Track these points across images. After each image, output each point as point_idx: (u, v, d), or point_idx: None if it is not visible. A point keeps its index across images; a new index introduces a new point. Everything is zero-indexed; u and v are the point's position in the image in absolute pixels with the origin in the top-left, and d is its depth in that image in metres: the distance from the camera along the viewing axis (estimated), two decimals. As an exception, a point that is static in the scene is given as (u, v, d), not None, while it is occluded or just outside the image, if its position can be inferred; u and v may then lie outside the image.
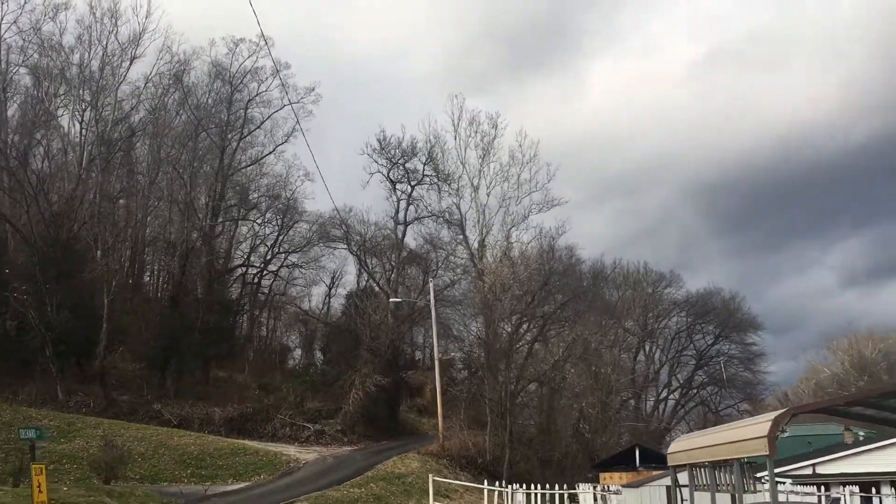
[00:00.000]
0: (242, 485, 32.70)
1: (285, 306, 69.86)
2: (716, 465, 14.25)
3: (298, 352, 72.91)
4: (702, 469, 15.04)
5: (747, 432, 12.45)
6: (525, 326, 52.18)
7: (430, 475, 28.01)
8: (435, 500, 29.96)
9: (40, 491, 11.27)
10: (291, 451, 40.38)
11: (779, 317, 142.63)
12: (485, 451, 42.13)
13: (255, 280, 70.03)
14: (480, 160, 55.75)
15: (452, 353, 58.42)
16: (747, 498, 13.94)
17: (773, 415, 11.97)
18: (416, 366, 67.44)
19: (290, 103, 60.68)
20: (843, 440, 41.61)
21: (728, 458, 13.23)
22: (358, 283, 65.74)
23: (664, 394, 74.27)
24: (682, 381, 74.99)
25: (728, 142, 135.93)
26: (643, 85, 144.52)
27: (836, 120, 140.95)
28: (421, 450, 41.36)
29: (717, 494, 14.37)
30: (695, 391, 74.40)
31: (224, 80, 60.38)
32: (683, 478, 16.08)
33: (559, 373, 45.91)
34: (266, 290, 71.12)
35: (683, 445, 16.38)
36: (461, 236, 55.30)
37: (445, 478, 35.61)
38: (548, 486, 28.64)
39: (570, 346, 45.67)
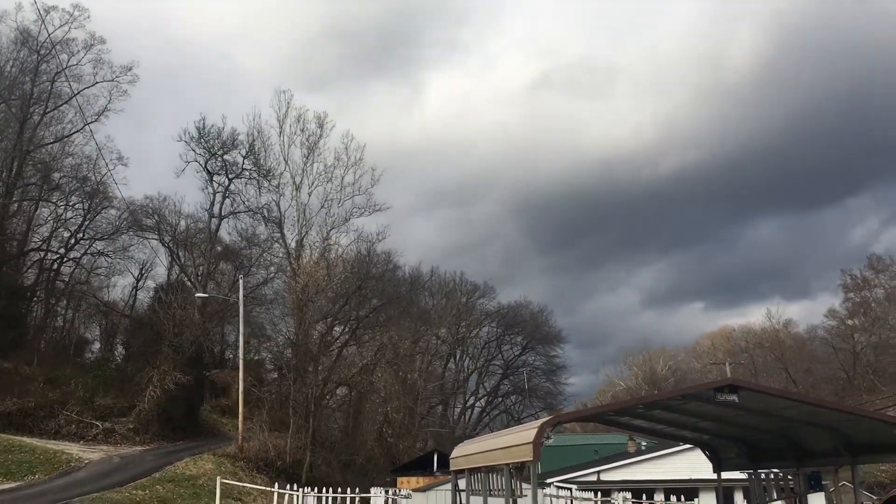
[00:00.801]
0: (12, 485, 30.27)
1: (86, 296, 65.44)
2: (490, 470, 14.74)
3: (98, 345, 68.73)
4: (479, 474, 15.51)
5: (516, 438, 12.98)
6: (337, 329, 52.01)
7: (219, 477, 27.12)
8: (224, 503, 29.07)
9: None
10: (74, 449, 37.84)
11: (588, 332, 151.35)
12: (285, 453, 41.33)
13: (54, 266, 65.21)
14: (305, 159, 54.93)
15: (263, 354, 57.20)
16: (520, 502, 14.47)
17: (539, 422, 12.53)
18: (225, 365, 65.29)
19: (103, 81, 57.86)
20: (626, 449, 44.66)
21: (500, 463, 13.72)
22: (169, 276, 62.78)
23: (471, 401, 76.41)
24: (488, 389, 77.58)
25: (554, 162, 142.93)
26: (479, 100, 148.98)
27: (653, 150, 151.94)
28: (217, 451, 40.04)
29: (489, 499, 14.85)
30: (500, 399, 77.12)
31: (31, 48, 56.13)
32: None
33: (367, 377, 45.98)
34: (66, 278, 66.45)
35: (463, 451, 16.85)
36: (278, 234, 54.18)
37: (241, 480, 34.69)
38: (341, 490, 28.52)
39: (379, 351, 45.86)
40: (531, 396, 74.60)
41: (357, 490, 29.13)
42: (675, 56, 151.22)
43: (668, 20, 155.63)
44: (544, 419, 12.70)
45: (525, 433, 12.48)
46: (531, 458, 11.87)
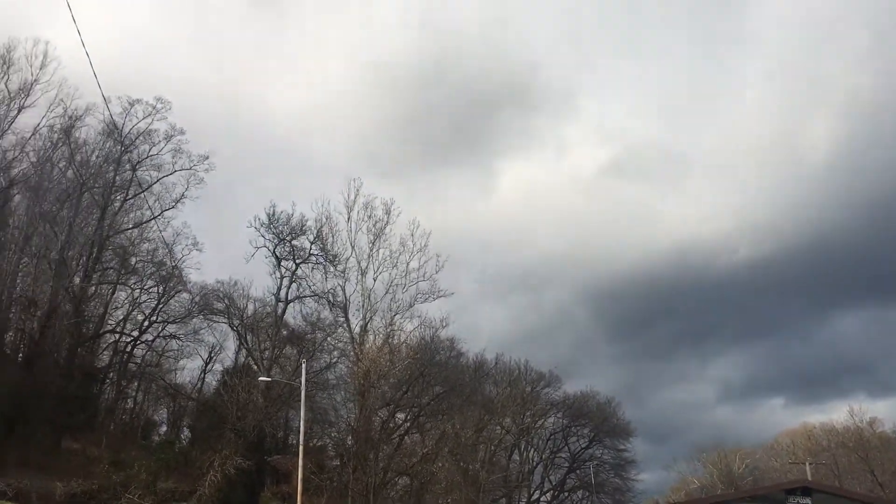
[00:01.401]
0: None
1: (156, 378, 66.60)
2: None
3: (165, 427, 69.49)
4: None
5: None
6: (399, 416, 51.52)
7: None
8: None
9: None
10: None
11: (659, 425, 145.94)
12: (343, 543, 40.46)
13: (128, 349, 66.78)
14: (371, 245, 55.81)
15: (325, 440, 56.75)
16: None
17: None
18: (287, 450, 64.96)
19: (181, 169, 60.27)
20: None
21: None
22: (236, 359, 63.58)
23: (536, 495, 73.94)
24: (554, 483, 74.98)
25: (626, 249, 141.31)
26: (551, 186, 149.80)
27: (728, 238, 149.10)
28: (274, 539, 39.39)
29: None
30: (567, 494, 74.43)
31: (115, 139, 59.02)
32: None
33: (428, 466, 45.05)
34: (138, 361, 67.87)
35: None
36: (343, 319, 54.56)
37: (297, 571, 33.96)
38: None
39: (440, 439, 45.01)
40: (599, 492, 71.83)
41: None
42: (751, 142, 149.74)
43: (742, 106, 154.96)
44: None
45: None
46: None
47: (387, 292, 54.67)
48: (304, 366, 41.77)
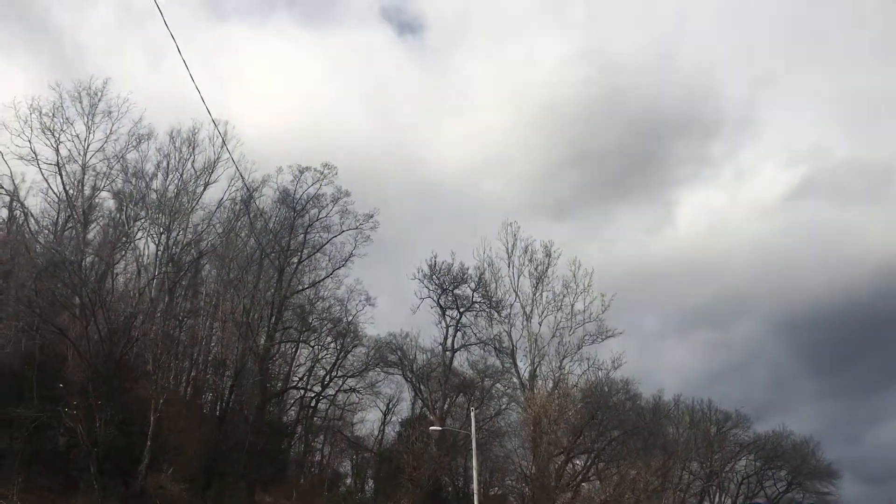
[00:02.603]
0: None
1: (340, 431, 69.07)
2: None
3: (350, 479, 71.63)
4: None
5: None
6: (578, 462, 50.36)
7: None
8: None
9: None
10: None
11: (874, 465, 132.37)
12: None
13: (312, 403, 69.91)
14: (533, 288, 55.63)
15: (503, 488, 56.32)
16: None
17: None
18: (467, 499, 65.03)
19: (349, 229, 63.05)
20: None
21: None
22: (412, 410, 64.96)
23: (732, 543, 69.52)
24: (750, 530, 70.25)
25: (822, 274, 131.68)
26: (732, 214, 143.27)
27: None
28: (454, 591, 39.26)
29: None
30: (766, 541, 69.48)
31: (288, 205, 62.79)
32: None
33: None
34: (322, 415, 70.82)
35: None
36: (511, 365, 54.46)
37: None
38: None
39: (619, 484, 43.43)
40: (801, 538, 66.58)
41: None
42: None
43: None
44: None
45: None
46: None
47: (553, 335, 54.23)
48: (472, 414, 41.91)
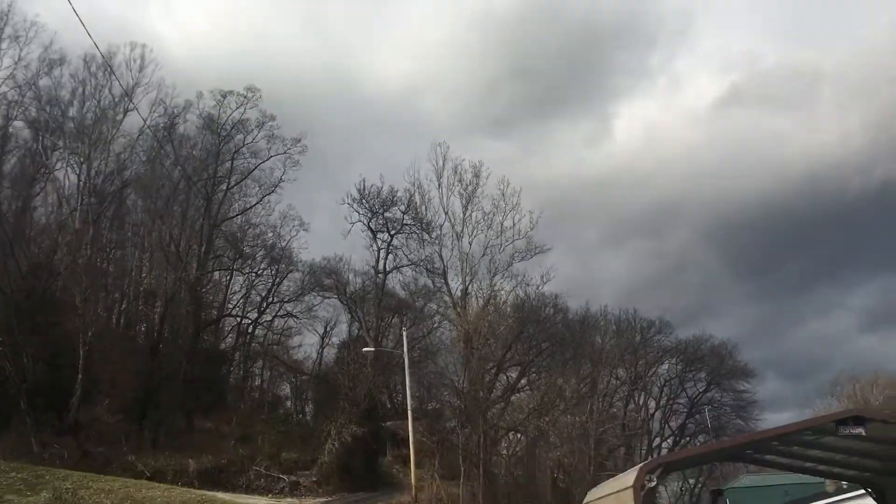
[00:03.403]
0: (203, 538, 32.40)
1: (277, 356, 69.69)
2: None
3: (289, 403, 72.82)
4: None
5: (621, 483, 12.43)
6: (510, 375, 52.17)
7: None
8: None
9: None
10: (262, 502, 40.06)
11: (796, 363, 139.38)
12: (459, 502, 41.62)
13: (249, 330, 70.26)
14: (463, 209, 56.14)
15: (435, 403, 58.15)
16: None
17: (639, 465, 11.97)
18: (404, 416, 66.91)
19: (276, 154, 62.35)
20: (825, 489, 41.02)
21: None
22: (349, 332, 65.88)
23: (657, 441, 73.29)
24: (674, 430, 74.11)
25: (751, 181, 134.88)
26: (667, 124, 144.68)
27: (863, 158, 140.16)
28: (391, 501, 40.98)
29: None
30: (688, 439, 73.38)
31: (213, 131, 61.53)
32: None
33: (536, 422, 45.54)
34: (260, 340, 71.29)
35: (589, 497, 16.32)
36: (442, 284, 55.40)
37: (414, 530, 35.33)
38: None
39: (546, 394, 45.34)
40: (720, 435, 70.38)
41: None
42: (885, 54, 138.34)
43: (877, 16, 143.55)
44: (644, 462, 12.07)
45: (627, 477, 11.95)
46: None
47: (484, 254, 55.03)
48: (405, 334, 42.93)
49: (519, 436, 50.24)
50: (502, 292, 54.63)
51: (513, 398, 49.47)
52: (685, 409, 74.77)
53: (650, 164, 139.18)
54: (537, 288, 54.37)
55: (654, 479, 11.23)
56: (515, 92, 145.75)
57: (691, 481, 68.96)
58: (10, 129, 60.68)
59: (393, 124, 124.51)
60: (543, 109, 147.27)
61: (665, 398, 74.74)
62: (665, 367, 74.38)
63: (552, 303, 59.93)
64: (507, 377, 53.29)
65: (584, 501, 16.50)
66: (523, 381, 55.10)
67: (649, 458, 55.93)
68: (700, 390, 74.39)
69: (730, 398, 74.19)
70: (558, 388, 45.84)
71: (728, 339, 76.25)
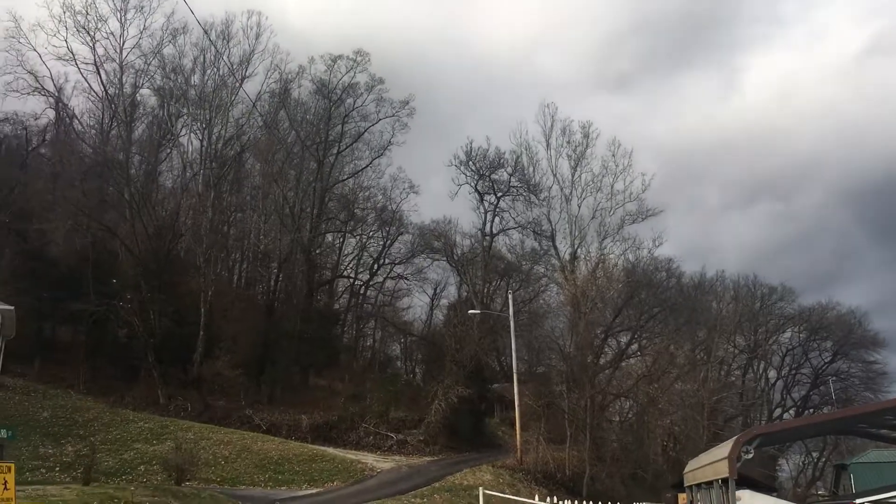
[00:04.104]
0: (313, 490, 33.44)
1: (388, 317, 70.97)
2: (710, 486, 13.61)
3: (399, 363, 74.19)
4: (701, 490, 14.40)
5: (719, 453, 11.84)
6: (620, 340, 51.18)
7: (481, 488, 27.81)
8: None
9: (6, 489, 11.92)
10: (370, 459, 40.99)
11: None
12: (565, 466, 41.34)
13: (362, 291, 71.74)
14: (572, 171, 55.19)
15: (541, 368, 57.79)
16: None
17: (737, 436, 11.33)
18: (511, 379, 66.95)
19: (385, 117, 62.85)
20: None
21: (709, 479, 12.61)
22: (459, 294, 66.27)
23: (777, 412, 70.45)
24: (796, 401, 70.97)
25: (894, 138, 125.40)
26: (803, 78, 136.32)
27: None
28: (496, 462, 41.06)
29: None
30: (811, 411, 70.19)
31: (324, 95, 62.53)
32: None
33: (646, 388, 44.52)
34: (372, 301, 72.73)
35: (689, 467, 15.71)
36: (550, 247, 54.77)
37: (519, 492, 35.26)
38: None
39: (656, 361, 44.19)
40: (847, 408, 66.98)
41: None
42: None
43: None
44: (741, 433, 11.41)
45: (724, 448, 11.33)
46: (727, 475, 10.72)
47: (593, 217, 54.14)
48: (510, 297, 42.63)
49: (629, 402, 49.32)
50: (612, 256, 53.66)
51: (622, 364, 48.41)
52: (808, 380, 71.40)
53: (783, 120, 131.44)
54: (649, 251, 53.14)
55: (751, 451, 10.61)
56: (638, 46, 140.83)
57: (815, 454, 66.16)
58: (138, 97, 63.91)
59: (507, 85, 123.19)
60: (667, 64, 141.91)
61: (787, 368, 71.61)
62: (787, 335, 71.19)
63: (665, 267, 58.39)
64: (618, 342, 52.36)
65: (686, 471, 15.90)
66: (634, 347, 53.94)
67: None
68: (825, 360, 70.78)
69: (858, 369, 70.26)
70: (670, 355, 44.52)
71: (857, 308, 72.30)
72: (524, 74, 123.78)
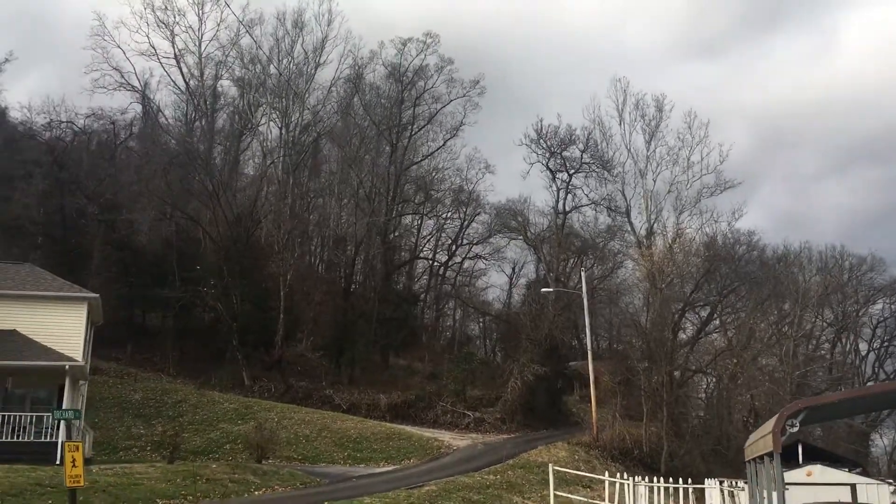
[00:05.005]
0: (389, 468, 34.26)
1: (459, 297, 71.26)
2: (760, 461, 13.46)
3: (478, 342, 74.57)
4: (756, 464, 14.25)
5: (767, 427, 11.71)
6: (698, 315, 50.35)
7: (551, 464, 27.86)
8: (572, 489, 29.84)
9: (74, 466, 12.73)
10: (446, 437, 41.62)
11: None
12: (642, 442, 41.06)
13: (441, 272, 72.37)
14: (646, 144, 54.27)
15: (623, 343, 57.27)
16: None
17: (783, 410, 11.19)
18: (596, 356, 66.51)
19: (456, 98, 62.91)
20: None
21: (760, 454, 12.50)
22: (537, 273, 66.07)
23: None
24: (889, 374, 68.18)
25: None
26: None
27: None
28: (572, 439, 41.06)
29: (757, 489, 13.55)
30: (906, 385, 67.27)
31: (395, 79, 63.03)
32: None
33: (726, 364, 43.70)
34: (451, 282, 73.27)
35: (749, 441, 15.56)
36: (624, 222, 54.09)
37: (594, 469, 35.26)
38: (671, 480, 27.58)
39: (736, 336, 43.27)
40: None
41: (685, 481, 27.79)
42: None
43: None
44: (787, 405, 11.24)
45: (770, 423, 11.20)
46: (772, 449, 10.62)
47: (669, 191, 53.17)
48: (583, 274, 42.44)
49: (708, 378, 48.48)
50: (689, 230, 52.61)
51: (701, 339, 47.60)
52: (902, 353, 68.59)
53: (884, 81, 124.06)
54: (728, 224, 51.88)
55: (797, 425, 10.43)
56: (728, 8, 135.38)
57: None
58: (219, 88, 65.93)
59: (583, 59, 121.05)
60: (758, 26, 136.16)
61: (878, 340, 68.84)
62: (878, 307, 68.35)
63: (746, 240, 56.80)
64: (699, 316, 51.41)
65: (745, 445, 15.74)
66: (715, 323, 52.91)
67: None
68: (921, 333, 67.78)
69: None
70: (749, 329, 43.51)
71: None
72: (604, 47, 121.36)
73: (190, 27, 61.46)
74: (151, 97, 63.86)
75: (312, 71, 62.88)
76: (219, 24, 61.36)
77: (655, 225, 53.41)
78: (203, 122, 65.14)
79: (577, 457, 37.35)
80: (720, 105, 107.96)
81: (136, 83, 61.26)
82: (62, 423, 25.51)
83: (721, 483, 27.28)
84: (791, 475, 19.82)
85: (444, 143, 64.70)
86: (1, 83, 65.21)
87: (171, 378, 45.25)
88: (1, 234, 51.26)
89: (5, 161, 54.55)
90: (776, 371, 45.94)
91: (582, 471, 33.37)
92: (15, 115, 59.90)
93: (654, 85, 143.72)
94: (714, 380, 47.16)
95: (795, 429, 10.50)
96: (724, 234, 52.91)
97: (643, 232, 53.54)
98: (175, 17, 60.66)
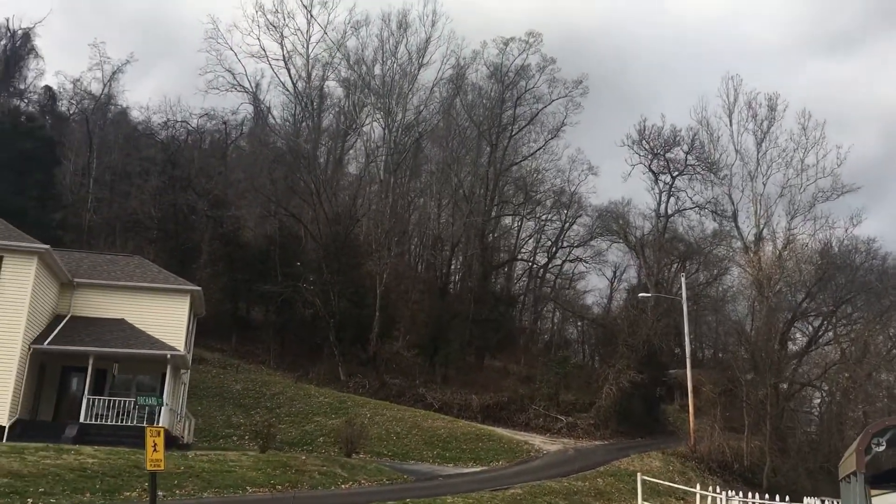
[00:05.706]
0: (477, 468, 34.02)
1: (555, 300, 70.26)
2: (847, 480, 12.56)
3: (577, 346, 73.36)
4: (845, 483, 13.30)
5: (853, 446, 10.88)
6: (810, 325, 47.94)
7: (639, 473, 26.99)
8: (664, 501, 28.88)
9: (155, 450, 13.07)
10: (537, 440, 41.05)
11: None
12: (743, 456, 39.31)
13: (540, 274, 71.67)
14: (757, 146, 52.04)
15: (727, 352, 55.10)
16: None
17: (868, 428, 10.37)
18: (698, 364, 64.30)
19: (559, 98, 62.13)
20: None
21: (847, 473, 11.64)
22: (638, 277, 64.49)
23: None
24: None
25: None
26: None
27: None
28: (667, 449, 39.71)
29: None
30: None
31: (497, 79, 62.86)
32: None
33: (837, 378, 41.31)
34: (551, 285, 72.44)
35: (845, 455, 14.58)
36: (731, 227, 52.02)
37: (689, 480, 33.99)
38: (768, 497, 26.17)
39: (850, 349, 40.87)
40: None
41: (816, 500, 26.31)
42: None
43: None
44: (873, 423, 10.39)
45: (856, 441, 10.39)
46: (855, 468, 9.85)
47: (781, 195, 50.77)
48: (683, 280, 41.00)
49: (820, 392, 45.99)
50: (802, 236, 50.08)
51: (812, 351, 45.22)
52: None
53: None
54: (845, 231, 49.09)
55: (883, 444, 9.61)
56: (860, 5, 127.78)
57: None
58: (325, 89, 67.55)
59: (698, 57, 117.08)
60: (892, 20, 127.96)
61: None
62: None
63: (865, 248, 53.54)
64: (811, 326, 48.85)
65: (840, 463, 14.73)
66: (829, 335, 50.17)
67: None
68: None
69: None
70: (865, 343, 40.99)
71: None
72: (714, 46, 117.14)
73: (298, 29, 63.43)
74: (262, 98, 66.32)
75: (416, 71, 63.50)
76: (326, 27, 62.93)
77: (765, 230, 51.12)
78: (310, 123, 66.86)
79: (671, 468, 36.07)
80: (844, 105, 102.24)
81: (247, 84, 63.78)
82: (160, 408, 26.60)
83: (823, 502, 25.68)
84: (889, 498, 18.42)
85: (545, 143, 64.19)
86: (123, 84, 69.12)
87: (271, 370, 46.57)
88: (120, 228, 54.33)
89: (125, 158, 57.74)
90: (894, 388, 43.05)
91: (676, 482, 32.20)
92: (135, 115, 63.35)
93: (768, 84, 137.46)
94: (824, 394, 44.63)
95: (882, 448, 9.69)
96: (840, 240, 50.05)
97: (751, 237, 51.40)
98: (284, 20, 62.82)
